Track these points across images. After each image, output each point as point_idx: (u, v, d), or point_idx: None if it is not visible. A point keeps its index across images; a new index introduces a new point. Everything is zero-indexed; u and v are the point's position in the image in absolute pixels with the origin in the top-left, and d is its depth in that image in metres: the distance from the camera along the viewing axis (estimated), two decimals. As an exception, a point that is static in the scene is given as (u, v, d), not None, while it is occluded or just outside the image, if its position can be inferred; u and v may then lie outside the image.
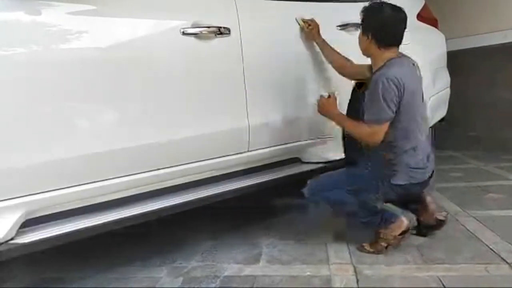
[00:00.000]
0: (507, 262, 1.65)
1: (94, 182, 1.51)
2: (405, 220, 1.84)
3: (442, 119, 3.10)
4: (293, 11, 2.10)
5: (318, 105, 1.98)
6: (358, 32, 2.26)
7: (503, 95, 3.84)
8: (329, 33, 2.17)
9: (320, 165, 2.21)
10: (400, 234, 1.82)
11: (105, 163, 1.53)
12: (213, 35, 1.74)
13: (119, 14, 1.55)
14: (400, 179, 1.78)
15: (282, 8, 2.07)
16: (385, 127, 1.75)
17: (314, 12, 2.15)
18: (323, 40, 2.10)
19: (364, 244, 1.86)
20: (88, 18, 1.47)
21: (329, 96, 1.96)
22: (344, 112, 2.24)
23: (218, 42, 1.77)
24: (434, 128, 2.94)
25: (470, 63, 3.98)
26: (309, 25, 2.09)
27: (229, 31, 1.79)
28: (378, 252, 1.82)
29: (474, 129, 4.03)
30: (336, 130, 2.24)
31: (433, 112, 2.85)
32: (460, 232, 1.99)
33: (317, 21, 2.14)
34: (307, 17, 2.11)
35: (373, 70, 1.83)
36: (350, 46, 2.18)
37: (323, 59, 2.16)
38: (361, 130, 1.80)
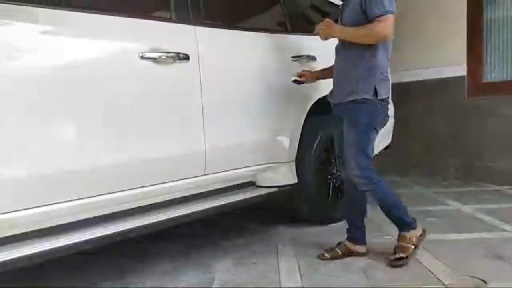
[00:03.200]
0: (443, 283, 1.78)
1: (40, 206, 1.45)
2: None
3: (387, 147, 3.30)
4: (250, 41, 2.19)
5: (319, 32, 1.99)
6: (310, 63, 2.40)
7: (439, 124, 4.19)
8: (283, 63, 2.28)
9: (274, 189, 2.27)
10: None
11: (54, 185, 1.48)
12: (172, 60, 1.78)
13: (77, 34, 1.55)
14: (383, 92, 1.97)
15: (240, 37, 2.15)
16: (393, 19, 1.81)
17: (269, 44, 2.26)
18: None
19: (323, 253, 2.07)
20: (44, 38, 1.46)
21: (322, 21, 2.00)
22: (297, 139, 2.34)
23: (177, 67, 1.81)
24: (379, 155, 3.12)
25: (412, 94, 4.31)
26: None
27: (188, 57, 1.83)
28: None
29: (415, 155, 4.33)
30: (289, 155, 2.33)
31: (379, 141, 3.03)
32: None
33: (272, 52, 2.24)
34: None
35: None
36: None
37: (279, 85, 2.26)
38: (374, 27, 1.82)
